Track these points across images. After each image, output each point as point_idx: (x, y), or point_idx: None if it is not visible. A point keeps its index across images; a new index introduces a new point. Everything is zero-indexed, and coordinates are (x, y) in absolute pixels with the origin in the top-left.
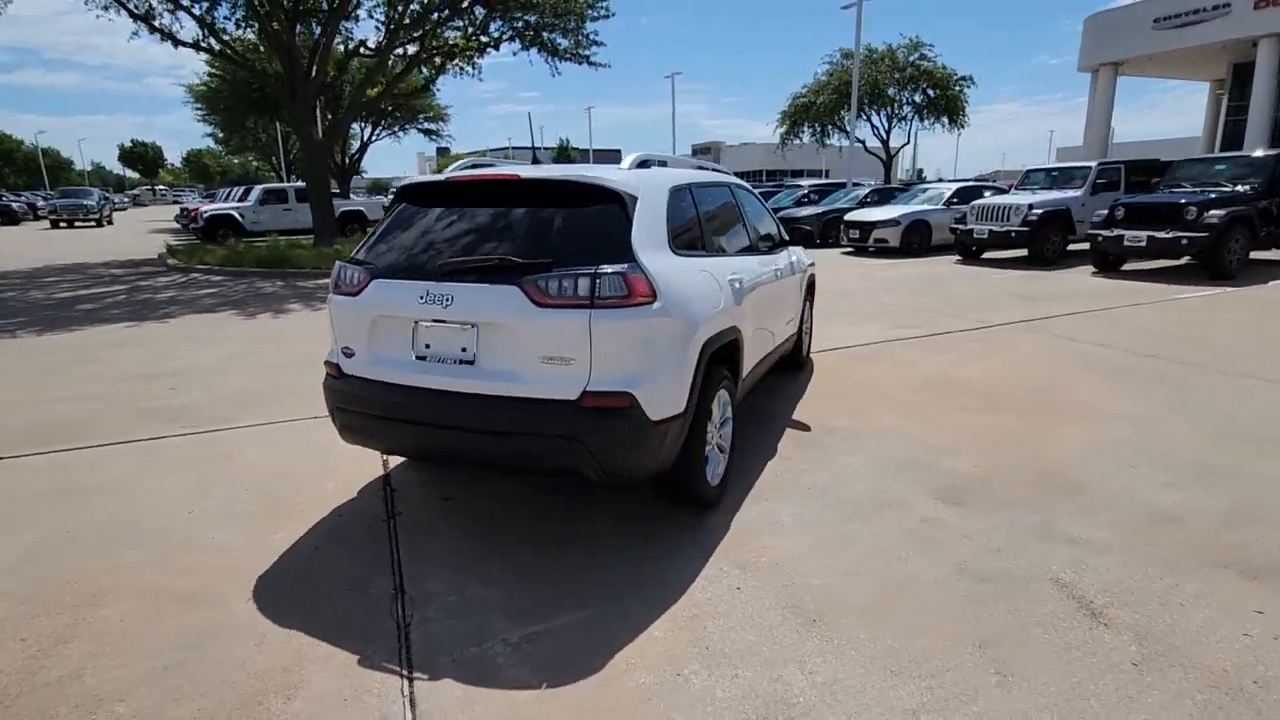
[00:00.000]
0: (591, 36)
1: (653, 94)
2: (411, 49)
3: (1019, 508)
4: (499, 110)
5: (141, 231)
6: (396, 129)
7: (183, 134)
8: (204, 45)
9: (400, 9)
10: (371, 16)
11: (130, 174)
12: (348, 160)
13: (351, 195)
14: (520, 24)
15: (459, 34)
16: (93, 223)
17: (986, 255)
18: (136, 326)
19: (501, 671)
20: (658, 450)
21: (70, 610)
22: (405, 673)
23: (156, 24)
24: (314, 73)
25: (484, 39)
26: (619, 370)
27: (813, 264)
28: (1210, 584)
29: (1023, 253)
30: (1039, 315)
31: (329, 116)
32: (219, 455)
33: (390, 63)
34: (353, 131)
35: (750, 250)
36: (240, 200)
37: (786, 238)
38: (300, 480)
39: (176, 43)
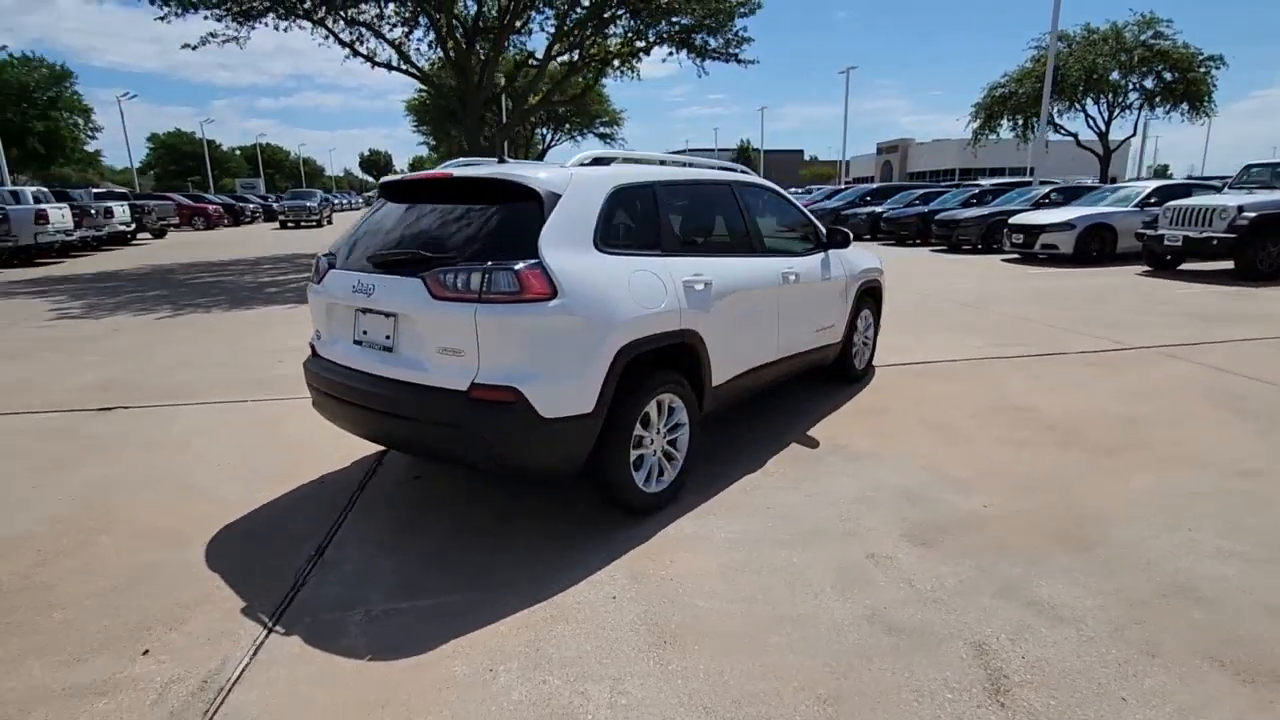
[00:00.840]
0: (740, 34)
1: (841, 92)
2: (564, 58)
3: (1003, 558)
4: (686, 114)
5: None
6: (575, 133)
7: (410, 143)
8: (395, 66)
9: (560, 23)
10: (542, 29)
11: (368, 178)
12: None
13: None
14: (674, 27)
15: (617, 40)
16: (314, 222)
17: (1184, 267)
18: (295, 308)
19: (342, 639)
20: (553, 448)
21: (81, 534)
22: (269, 624)
23: (360, 50)
24: (481, 84)
25: (638, 44)
26: (507, 364)
27: (874, 269)
28: (1183, 682)
29: (1229, 264)
30: (1199, 340)
31: (502, 123)
32: (272, 422)
33: (551, 71)
34: (536, 136)
35: (743, 251)
36: None
37: (824, 240)
38: (316, 449)
39: (374, 64)
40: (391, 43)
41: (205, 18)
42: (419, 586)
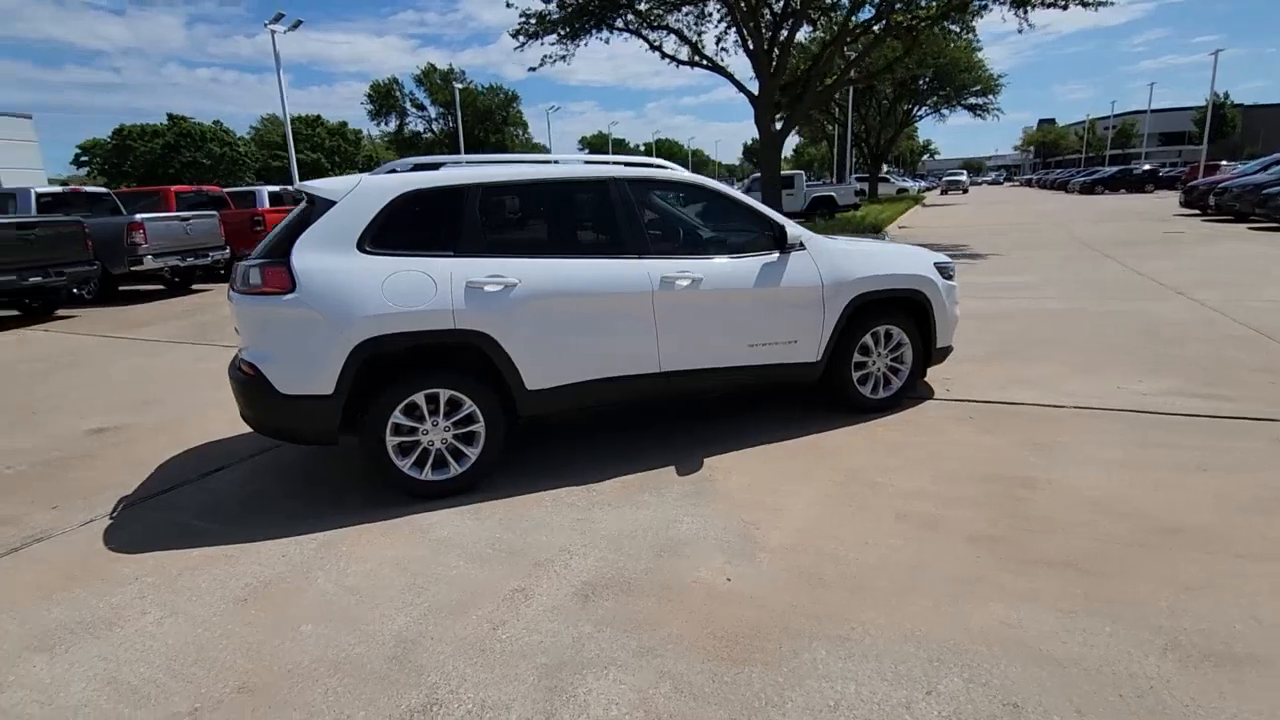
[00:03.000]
0: None
1: None
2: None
3: (632, 635)
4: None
5: None
6: (943, 105)
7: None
8: (694, 62)
9: None
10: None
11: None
12: (880, 143)
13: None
14: None
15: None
16: None
17: None
18: None
19: (119, 532)
20: (297, 420)
21: (130, 424)
22: (111, 515)
23: (662, 49)
24: (774, 68)
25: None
26: (255, 346)
27: (895, 276)
28: None
29: None
30: None
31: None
32: None
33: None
34: (892, 111)
35: (602, 253)
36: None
37: (786, 242)
38: None
39: (678, 62)
40: (686, 39)
41: (541, 43)
42: (221, 520)
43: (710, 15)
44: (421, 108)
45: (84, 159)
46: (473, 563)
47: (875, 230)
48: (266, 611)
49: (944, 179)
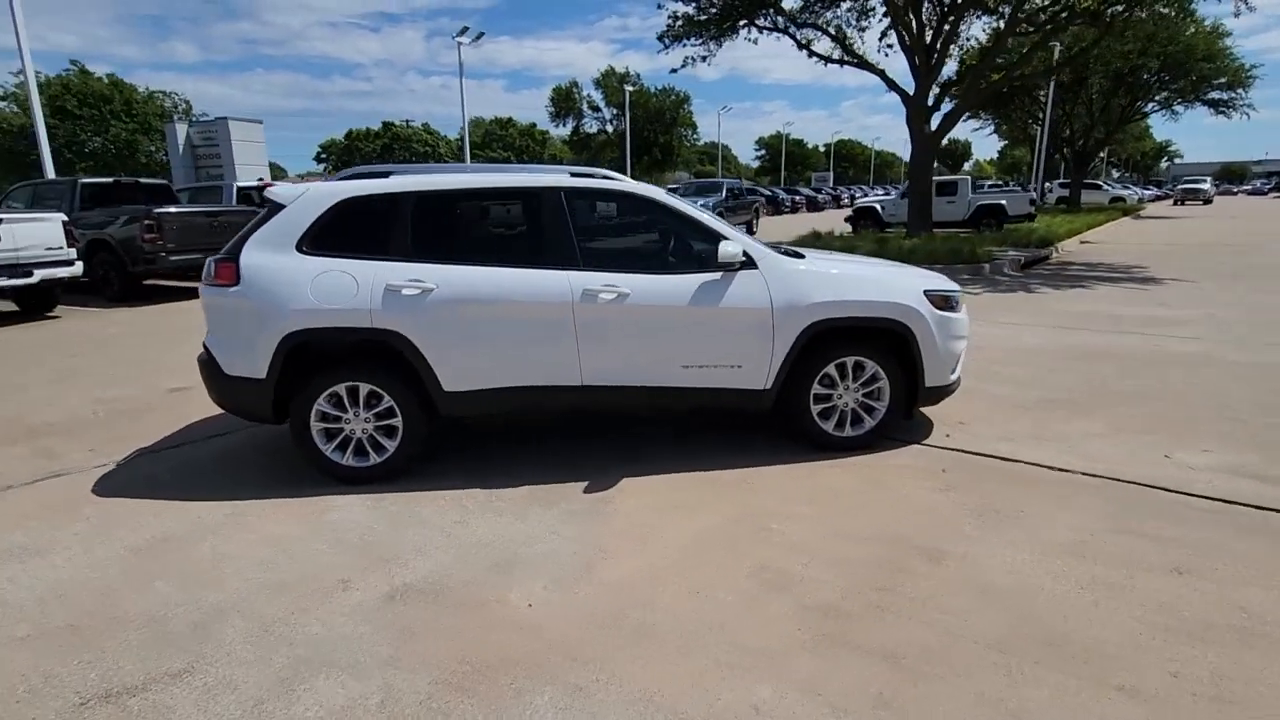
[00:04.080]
0: None
1: None
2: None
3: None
4: None
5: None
6: (1177, 101)
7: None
8: (844, 60)
9: None
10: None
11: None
12: (1088, 144)
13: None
14: None
15: None
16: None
17: None
18: None
19: (110, 478)
20: (238, 398)
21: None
22: (119, 463)
23: (810, 48)
24: (932, 65)
25: None
26: (210, 331)
27: (865, 303)
28: None
29: None
30: None
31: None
32: None
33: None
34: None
35: (529, 262)
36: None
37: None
38: None
39: (826, 61)
40: (833, 36)
41: (684, 45)
42: (182, 485)
43: (874, 10)
44: (597, 109)
45: (322, 156)
46: (334, 549)
47: (1043, 244)
48: (145, 563)
49: (1179, 187)
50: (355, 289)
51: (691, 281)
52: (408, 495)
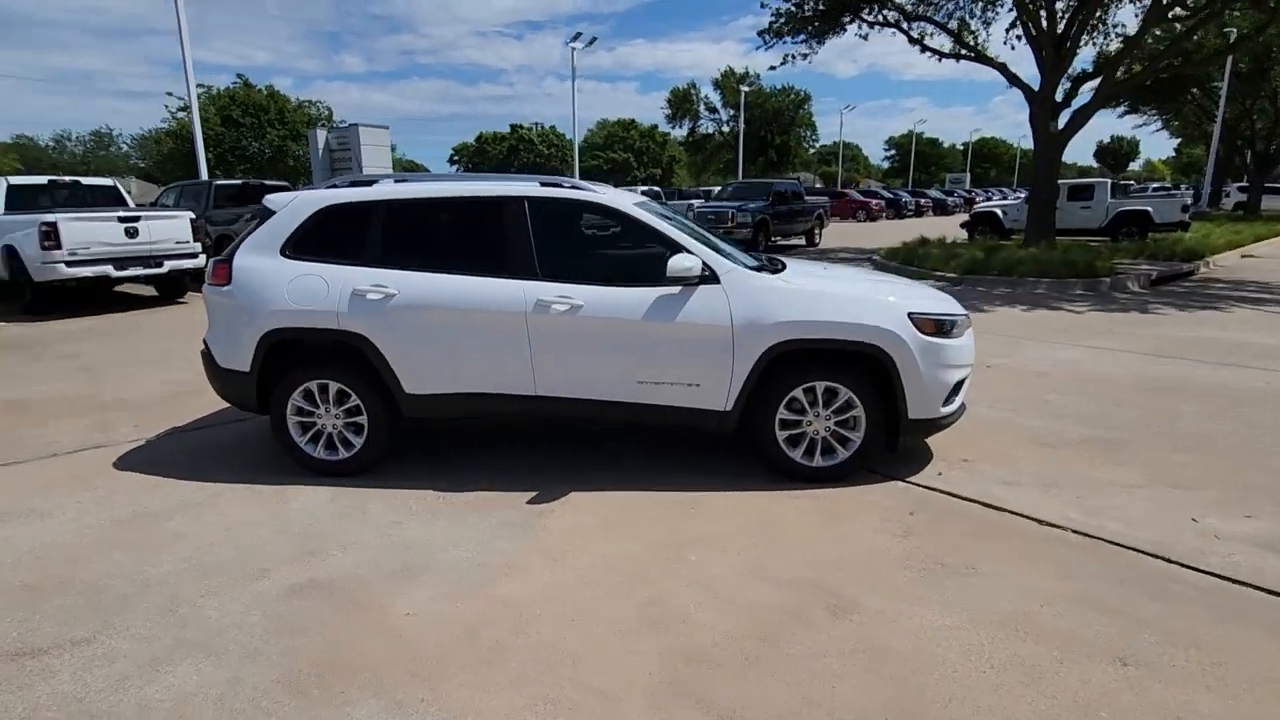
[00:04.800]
0: None
1: None
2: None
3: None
4: None
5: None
6: None
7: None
8: (959, 55)
9: None
10: None
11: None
12: (1273, 142)
13: None
14: None
15: None
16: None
17: None
18: None
19: (135, 453)
20: (230, 389)
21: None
22: (148, 440)
23: (924, 43)
24: (1061, 57)
25: None
26: (209, 326)
27: (844, 325)
28: None
29: None
30: None
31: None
32: None
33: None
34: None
35: (489, 270)
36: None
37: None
38: None
39: (940, 55)
40: (947, 29)
41: (785, 42)
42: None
43: (1000, 1)
44: (714, 110)
45: (454, 158)
46: (276, 537)
47: (1189, 258)
48: (118, 535)
49: None
50: (326, 292)
51: (648, 295)
52: (366, 491)
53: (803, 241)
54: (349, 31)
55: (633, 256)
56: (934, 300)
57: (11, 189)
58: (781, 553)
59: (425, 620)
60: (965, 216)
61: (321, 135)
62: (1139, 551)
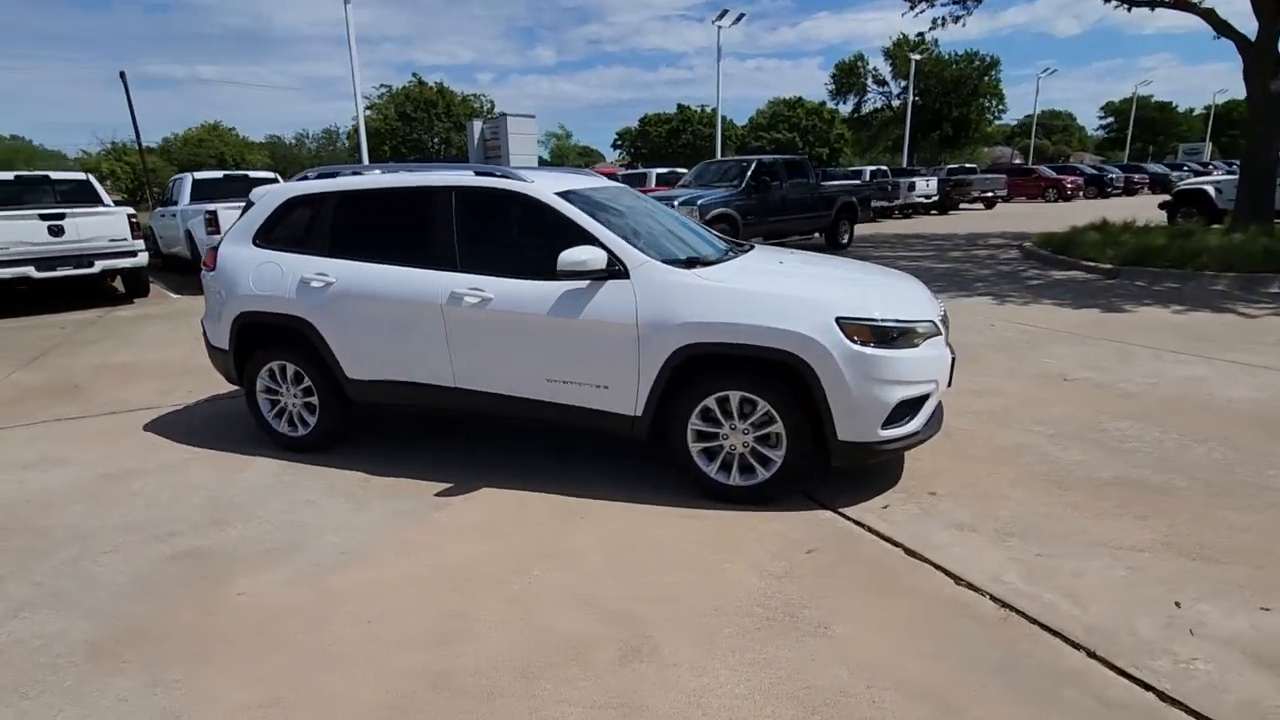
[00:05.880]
0: None
1: None
2: None
3: None
4: None
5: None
6: None
7: None
8: (1152, 1)
9: None
10: None
11: None
12: None
13: None
14: None
15: None
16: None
17: None
18: None
19: (170, 417)
20: (221, 366)
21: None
22: (186, 406)
23: None
24: None
25: None
26: (205, 307)
27: (752, 328)
28: None
29: None
30: None
31: None
32: None
33: None
34: None
35: (416, 260)
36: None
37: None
38: None
39: (1129, 4)
40: None
41: (934, 5)
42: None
43: None
44: (882, 83)
45: (618, 143)
46: (205, 503)
47: None
48: (96, 489)
49: None
50: (281, 278)
51: (555, 289)
52: (310, 469)
53: (821, 240)
54: (542, 26)
55: (547, 249)
56: (892, 304)
57: None
58: (628, 578)
59: (247, 602)
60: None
61: (477, 126)
62: (1060, 637)
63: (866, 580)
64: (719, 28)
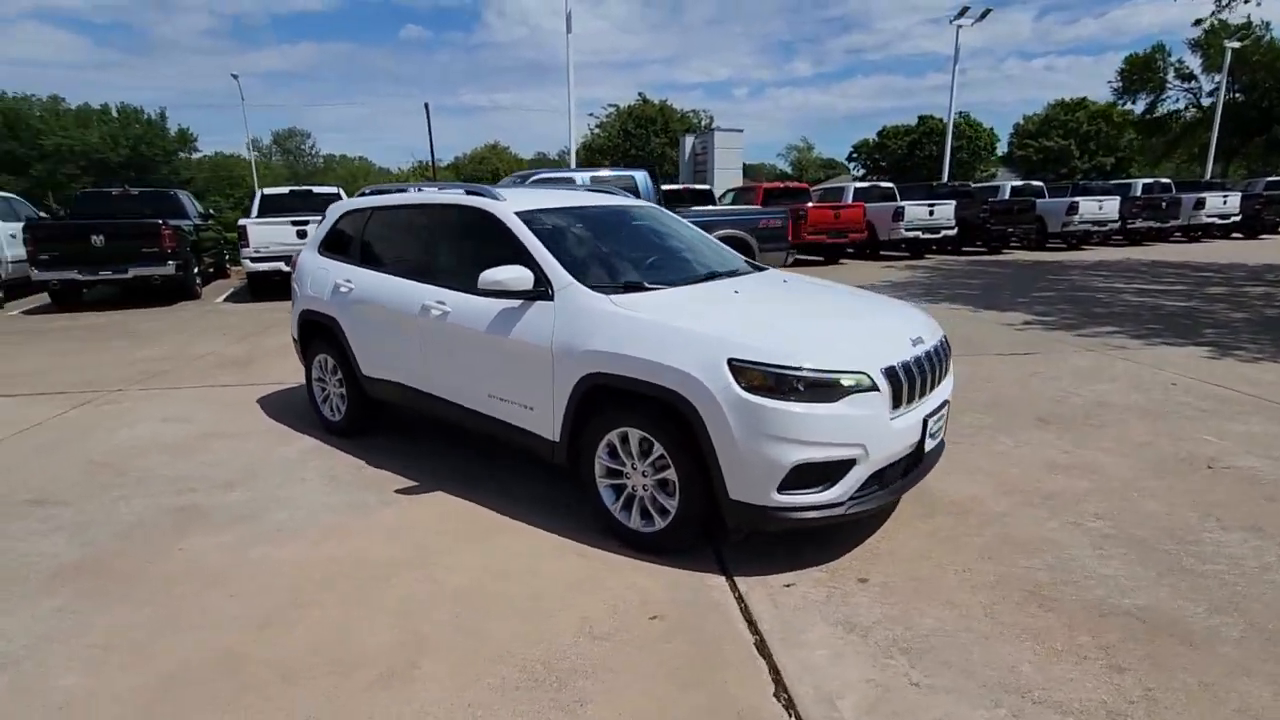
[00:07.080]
0: None
1: None
2: None
3: None
4: None
5: None
6: None
7: None
8: None
9: None
10: None
11: None
12: None
13: None
14: None
15: None
16: None
17: None
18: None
19: (206, 394)
20: (298, 352)
21: None
22: (228, 385)
23: None
24: None
25: None
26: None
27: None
28: None
29: None
30: None
31: None
32: None
33: None
34: None
35: (413, 273)
36: None
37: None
38: None
39: None
40: None
41: None
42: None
43: None
44: (1189, 78)
45: (853, 155)
46: (230, 470)
47: None
48: (187, 445)
49: None
50: (325, 283)
51: (494, 306)
52: (331, 451)
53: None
54: (801, 39)
55: (489, 263)
56: (822, 348)
57: None
58: (463, 605)
59: (180, 559)
60: None
61: (688, 141)
62: None
63: (676, 664)
64: (958, 27)
